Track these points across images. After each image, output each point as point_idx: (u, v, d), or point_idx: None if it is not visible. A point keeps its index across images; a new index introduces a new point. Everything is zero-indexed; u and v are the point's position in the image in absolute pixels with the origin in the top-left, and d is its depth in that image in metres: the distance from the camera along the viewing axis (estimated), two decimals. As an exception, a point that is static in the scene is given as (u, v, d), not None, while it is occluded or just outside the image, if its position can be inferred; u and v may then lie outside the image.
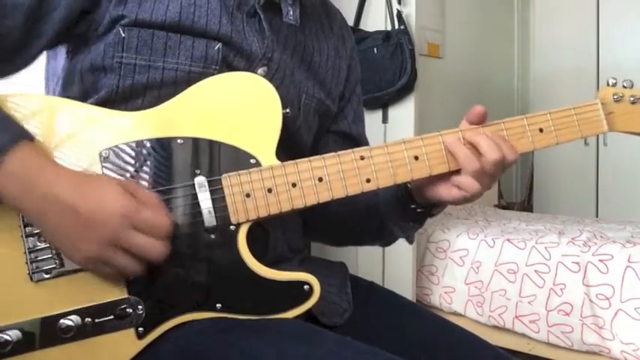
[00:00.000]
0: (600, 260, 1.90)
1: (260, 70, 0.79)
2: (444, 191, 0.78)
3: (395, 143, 0.76)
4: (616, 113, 0.81)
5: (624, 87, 0.81)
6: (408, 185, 0.83)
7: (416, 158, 0.76)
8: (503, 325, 2.07)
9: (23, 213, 0.66)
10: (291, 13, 0.83)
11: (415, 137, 0.76)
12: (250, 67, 0.78)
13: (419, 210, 0.84)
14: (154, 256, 0.66)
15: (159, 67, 0.74)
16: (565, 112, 0.79)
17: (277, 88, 0.74)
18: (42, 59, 0.85)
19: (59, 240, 0.66)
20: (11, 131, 0.65)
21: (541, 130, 0.78)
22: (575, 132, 0.79)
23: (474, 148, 0.75)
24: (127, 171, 0.70)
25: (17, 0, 0.70)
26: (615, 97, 0.80)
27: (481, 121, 0.77)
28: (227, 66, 0.77)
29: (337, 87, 0.93)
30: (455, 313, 2.23)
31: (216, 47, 0.75)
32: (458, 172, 0.76)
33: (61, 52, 0.80)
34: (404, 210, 0.85)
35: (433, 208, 0.85)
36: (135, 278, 0.68)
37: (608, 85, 0.81)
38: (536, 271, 2.03)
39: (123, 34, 0.73)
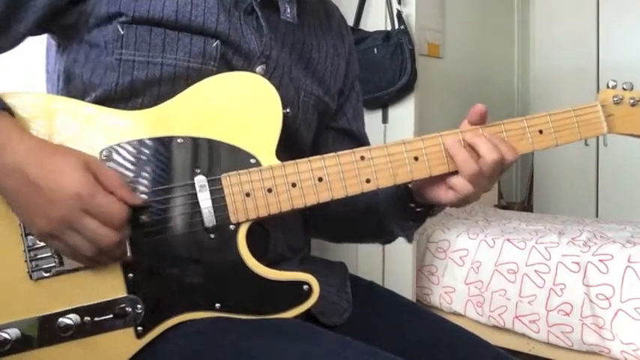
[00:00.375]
0: (600, 260, 1.90)
1: (259, 68, 0.79)
2: (442, 193, 0.78)
3: (395, 144, 0.76)
4: (616, 115, 0.81)
5: (624, 89, 0.81)
6: (409, 185, 0.83)
7: (416, 159, 0.76)
8: (503, 325, 2.07)
9: None
10: (289, 10, 0.82)
11: (415, 138, 0.77)
12: (249, 65, 0.78)
13: (418, 209, 0.84)
14: (102, 243, 0.65)
15: (157, 62, 0.74)
16: (565, 113, 0.80)
17: (276, 87, 0.74)
18: (42, 55, 0.85)
19: (18, 210, 0.66)
20: None
21: (541, 132, 0.79)
22: (574, 134, 0.80)
23: (472, 150, 0.76)
24: (127, 170, 0.70)
25: None
26: (615, 99, 0.81)
27: (482, 119, 0.77)
28: (225, 63, 0.77)
29: (336, 84, 0.93)
30: (455, 313, 2.23)
31: (214, 44, 0.75)
32: (455, 172, 0.76)
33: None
34: (404, 209, 0.85)
35: (433, 208, 0.85)
36: (134, 277, 0.68)
37: (608, 87, 0.82)
38: (536, 271, 2.03)
39: (122, 31, 0.73)
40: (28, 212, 0.65)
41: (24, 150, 0.64)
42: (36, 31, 0.76)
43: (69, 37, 0.77)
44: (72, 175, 0.63)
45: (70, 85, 0.77)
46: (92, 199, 0.64)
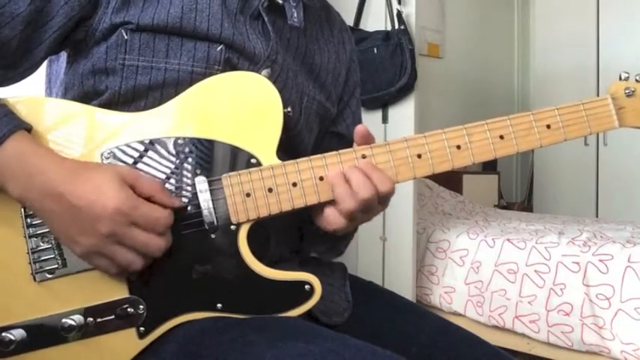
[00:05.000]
0: (600, 260, 1.90)
1: (264, 72, 0.79)
2: (319, 221, 0.75)
3: (397, 141, 0.74)
4: (627, 108, 0.78)
5: (637, 81, 0.78)
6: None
7: (419, 156, 0.74)
8: (503, 325, 2.07)
9: (26, 204, 0.67)
10: (295, 15, 0.83)
11: (418, 135, 0.75)
12: (254, 69, 0.78)
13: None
14: (153, 251, 0.66)
15: (161, 67, 0.74)
16: (573, 107, 0.77)
17: (280, 90, 0.74)
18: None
19: (59, 231, 0.66)
20: (7, 120, 0.65)
21: (548, 127, 0.76)
22: (584, 128, 0.77)
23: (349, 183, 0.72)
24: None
25: (15, 9, 0.70)
26: (627, 91, 0.78)
27: (366, 139, 0.75)
28: (230, 68, 0.77)
29: (336, 90, 0.93)
30: (455, 313, 2.23)
31: (219, 48, 0.76)
32: (331, 203, 0.73)
33: (64, 55, 0.80)
34: (310, 232, 0.82)
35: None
36: (136, 278, 0.69)
37: (620, 79, 0.79)
38: (536, 271, 2.04)
39: (126, 37, 0.74)
40: (71, 232, 0.65)
41: (55, 170, 0.65)
42: (54, 51, 0.77)
43: (78, 50, 0.77)
44: (110, 191, 0.64)
45: (72, 93, 0.78)
46: (136, 211, 0.64)
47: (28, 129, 0.68)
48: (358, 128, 0.75)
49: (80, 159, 0.69)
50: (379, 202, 0.74)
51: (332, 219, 0.73)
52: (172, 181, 0.70)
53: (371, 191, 0.71)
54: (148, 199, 0.66)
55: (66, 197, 0.64)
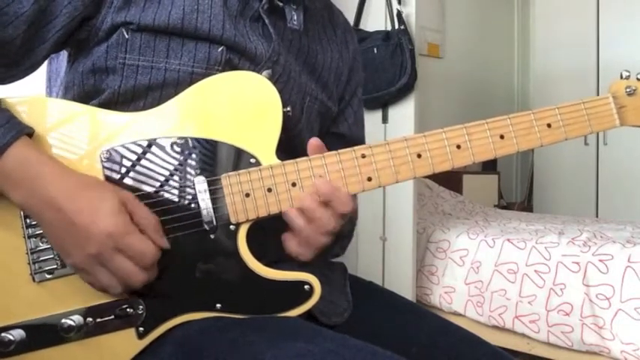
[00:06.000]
0: (600, 260, 1.90)
1: (265, 73, 0.79)
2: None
3: (397, 140, 0.74)
4: (628, 107, 0.78)
5: (638, 79, 0.78)
6: None
7: (419, 156, 0.74)
8: (503, 325, 2.07)
9: (26, 210, 0.67)
10: (295, 18, 0.83)
11: (417, 134, 0.75)
12: (255, 70, 0.78)
13: None
14: (132, 282, 0.66)
15: (161, 67, 0.74)
16: (574, 106, 0.77)
17: (281, 90, 0.74)
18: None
19: (53, 241, 0.67)
20: (9, 127, 0.65)
21: (549, 126, 0.76)
22: (584, 127, 0.77)
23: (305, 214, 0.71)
24: (127, 171, 0.70)
25: (19, 8, 0.70)
26: (628, 90, 0.78)
27: (320, 150, 0.74)
28: (231, 69, 0.77)
29: (338, 88, 0.93)
30: (455, 313, 2.23)
31: (220, 49, 0.76)
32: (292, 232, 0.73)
33: (64, 53, 0.80)
34: None
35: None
36: None
37: (621, 78, 0.79)
38: (536, 271, 2.03)
39: (127, 36, 0.74)
40: (65, 245, 0.66)
41: (57, 183, 0.65)
42: (57, 49, 0.77)
43: (80, 49, 0.77)
44: (106, 214, 0.64)
45: (72, 92, 0.78)
46: (124, 239, 0.64)
47: (31, 133, 0.68)
48: (311, 141, 0.74)
49: (80, 159, 0.69)
50: (342, 218, 0.73)
51: (293, 250, 0.73)
52: (171, 181, 0.70)
53: (331, 218, 0.71)
54: (141, 232, 0.66)
55: (64, 212, 0.64)
